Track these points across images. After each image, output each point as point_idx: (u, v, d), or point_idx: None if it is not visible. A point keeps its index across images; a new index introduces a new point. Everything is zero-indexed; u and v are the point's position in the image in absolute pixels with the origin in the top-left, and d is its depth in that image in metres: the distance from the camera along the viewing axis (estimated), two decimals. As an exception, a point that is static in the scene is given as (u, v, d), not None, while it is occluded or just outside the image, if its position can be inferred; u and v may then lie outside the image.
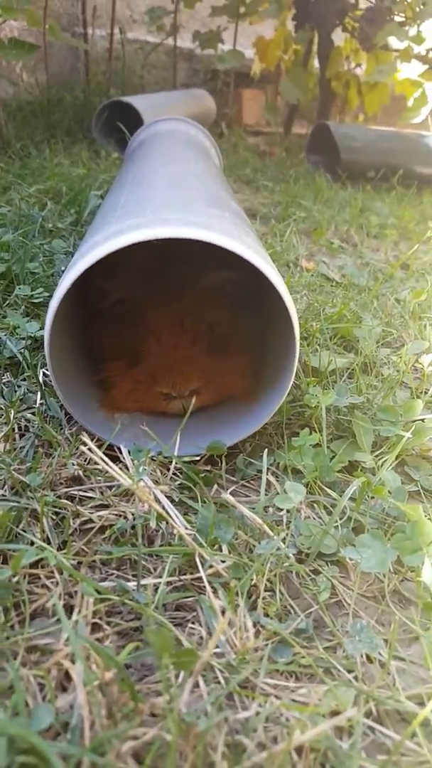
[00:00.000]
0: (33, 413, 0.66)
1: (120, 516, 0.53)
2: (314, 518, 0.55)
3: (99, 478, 0.58)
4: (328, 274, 1.23)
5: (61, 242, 1.13)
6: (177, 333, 0.67)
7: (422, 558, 0.47)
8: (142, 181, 0.75)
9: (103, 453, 0.58)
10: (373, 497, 0.55)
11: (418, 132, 2.50)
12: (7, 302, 0.90)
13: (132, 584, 0.47)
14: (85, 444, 0.59)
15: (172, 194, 0.66)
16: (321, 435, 0.62)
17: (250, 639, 0.42)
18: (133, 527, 0.51)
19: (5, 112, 2.00)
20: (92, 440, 0.60)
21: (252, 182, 2.08)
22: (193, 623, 0.44)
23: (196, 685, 0.39)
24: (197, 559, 0.47)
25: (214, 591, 0.45)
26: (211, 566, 0.47)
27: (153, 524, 0.52)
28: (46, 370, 0.63)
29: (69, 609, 0.44)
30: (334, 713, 0.37)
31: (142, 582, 0.47)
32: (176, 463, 0.60)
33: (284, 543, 0.49)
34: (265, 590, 0.46)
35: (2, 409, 0.66)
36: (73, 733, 0.35)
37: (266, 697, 0.39)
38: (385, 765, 0.35)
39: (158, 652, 0.38)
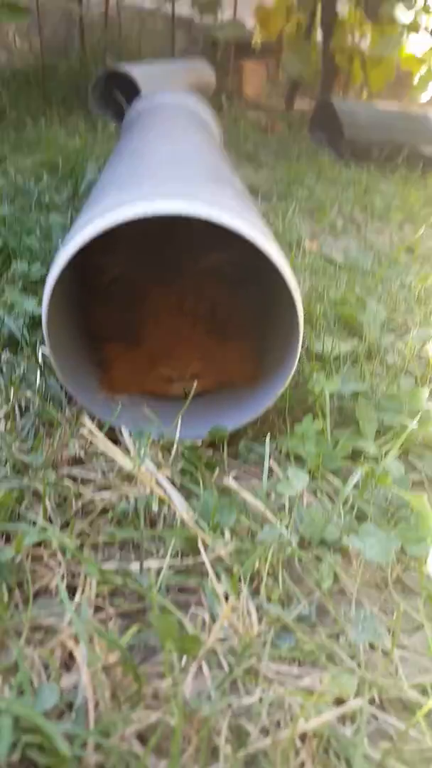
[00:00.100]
0: (34, 392, 0.65)
1: (122, 498, 0.53)
2: (317, 505, 0.55)
3: (100, 459, 0.58)
4: (331, 257, 1.21)
5: (58, 216, 1.11)
6: (177, 315, 0.66)
7: (426, 548, 0.47)
8: (140, 154, 0.73)
9: (104, 434, 0.57)
10: (376, 486, 0.55)
11: (424, 111, 2.46)
12: (5, 278, 0.88)
13: (135, 566, 0.46)
14: (85, 426, 0.59)
15: (172, 169, 0.64)
16: (324, 422, 0.62)
17: (254, 625, 0.42)
18: (135, 509, 0.51)
19: None
20: (92, 421, 0.59)
21: (253, 158, 2.04)
22: (196, 605, 0.45)
23: (200, 669, 0.39)
24: (200, 544, 0.47)
25: (217, 576, 0.45)
26: (213, 551, 0.47)
27: (155, 507, 0.52)
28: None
29: (72, 590, 0.44)
30: (339, 701, 0.38)
31: (145, 565, 0.46)
32: (178, 446, 0.59)
33: (287, 529, 0.49)
34: (268, 575, 0.46)
35: (2, 388, 0.65)
36: (77, 713, 0.35)
37: (269, 683, 0.39)
38: (389, 752, 0.35)
39: (162, 638, 0.38)
